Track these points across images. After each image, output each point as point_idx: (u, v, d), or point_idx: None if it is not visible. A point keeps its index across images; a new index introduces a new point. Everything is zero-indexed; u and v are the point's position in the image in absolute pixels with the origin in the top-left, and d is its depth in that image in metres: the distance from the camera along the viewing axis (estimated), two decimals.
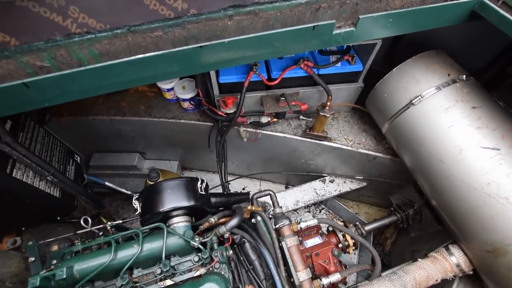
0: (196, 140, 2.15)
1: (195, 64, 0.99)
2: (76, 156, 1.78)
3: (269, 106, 1.70)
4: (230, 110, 1.71)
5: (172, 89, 2.01)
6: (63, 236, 1.38)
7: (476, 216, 1.19)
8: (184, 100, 1.97)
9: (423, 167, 1.44)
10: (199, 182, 1.19)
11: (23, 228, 1.55)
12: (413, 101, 1.43)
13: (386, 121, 1.62)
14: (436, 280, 1.33)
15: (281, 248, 1.37)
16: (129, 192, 2.20)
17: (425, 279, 1.31)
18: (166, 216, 1.16)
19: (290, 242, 1.39)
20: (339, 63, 1.71)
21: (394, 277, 1.30)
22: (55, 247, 1.34)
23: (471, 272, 1.34)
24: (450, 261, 1.36)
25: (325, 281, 1.36)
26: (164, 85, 1.98)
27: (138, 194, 1.20)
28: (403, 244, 2.32)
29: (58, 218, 1.60)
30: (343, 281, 1.46)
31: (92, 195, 1.73)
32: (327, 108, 1.66)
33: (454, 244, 1.41)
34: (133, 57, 0.89)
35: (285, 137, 1.91)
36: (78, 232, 1.40)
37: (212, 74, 1.64)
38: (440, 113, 1.34)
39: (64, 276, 0.99)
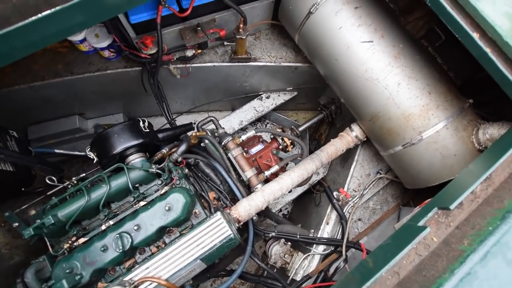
0: (131, 88, 2.17)
1: (98, 11, 1.02)
2: (11, 131, 1.75)
3: (189, 39, 1.75)
4: (152, 50, 1.74)
5: (84, 39, 1.89)
6: (35, 200, 1.54)
7: (360, 97, 1.59)
8: (102, 49, 1.89)
9: (328, 69, 1.75)
10: (141, 122, 1.36)
11: None
12: (311, 10, 1.61)
13: (296, 32, 1.82)
14: (342, 151, 1.82)
15: (229, 159, 1.71)
16: (82, 153, 2.27)
17: (335, 151, 1.79)
18: (122, 157, 1.36)
19: (235, 152, 1.72)
20: None
21: (314, 156, 1.75)
22: (32, 212, 1.50)
23: (365, 139, 1.86)
24: (352, 135, 1.84)
25: (267, 173, 1.78)
26: (74, 37, 1.85)
27: (89, 146, 1.35)
28: (332, 135, 2.86)
29: (23, 189, 1.70)
30: (282, 170, 1.91)
31: (46, 160, 1.80)
32: (241, 30, 1.77)
33: (355, 122, 1.88)
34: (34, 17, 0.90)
35: (214, 65, 2.04)
36: (48, 193, 1.55)
37: (121, 16, 1.58)
38: (332, 17, 1.57)
39: (53, 221, 1.21)
